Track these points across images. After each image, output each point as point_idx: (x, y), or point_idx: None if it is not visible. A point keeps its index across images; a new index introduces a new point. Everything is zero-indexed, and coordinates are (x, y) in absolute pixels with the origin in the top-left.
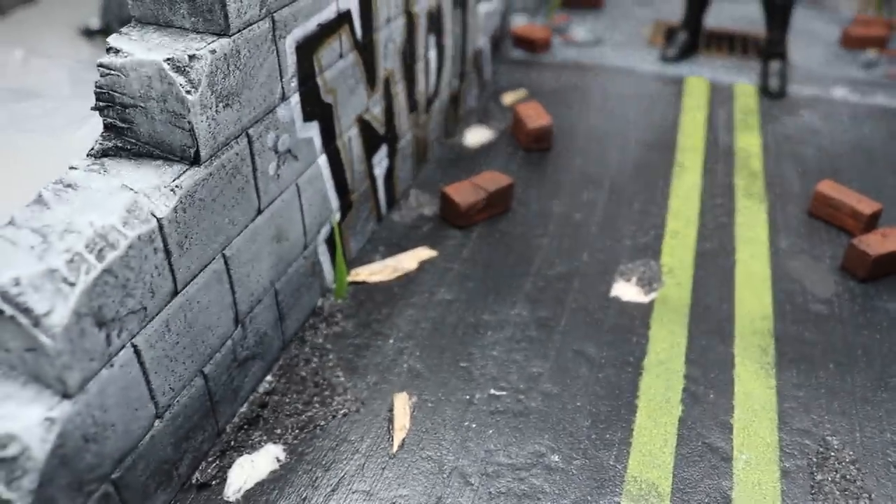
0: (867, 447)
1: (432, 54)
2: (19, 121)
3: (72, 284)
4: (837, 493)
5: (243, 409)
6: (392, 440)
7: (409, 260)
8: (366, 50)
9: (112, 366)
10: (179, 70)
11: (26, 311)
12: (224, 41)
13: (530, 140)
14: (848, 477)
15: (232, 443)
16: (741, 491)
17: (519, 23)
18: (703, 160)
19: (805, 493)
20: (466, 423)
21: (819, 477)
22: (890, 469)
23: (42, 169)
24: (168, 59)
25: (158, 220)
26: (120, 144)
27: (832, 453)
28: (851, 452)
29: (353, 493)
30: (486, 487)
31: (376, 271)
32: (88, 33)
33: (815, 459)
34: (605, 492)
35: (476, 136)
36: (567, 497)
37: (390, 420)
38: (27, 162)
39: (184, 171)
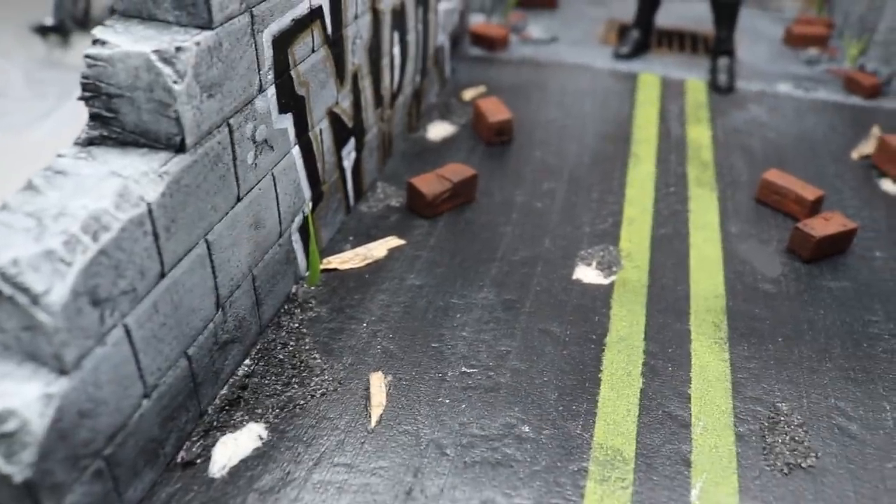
0: (813, 411)
1: (396, 51)
2: None
3: (69, 264)
4: (787, 452)
5: (224, 391)
6: (370, 416)
7: (379, 248)
8: (335, 45)
9: (105, 344)
10: (166, 61)
11: (25, 290)
12: (208, 34)
13: (491, 133)
14: (796, 438)
15: (214, 423)
16: (699, 454)
17: (476, 21)
18: (656, 152)
19: (758, 454)
20: (440, 399)
21: (770, 439)
22: (834, 430)
23: (5, 168)
24: (156, 51)
25: (148, 204)
26: (105, 133)
27: (782, 418)
28: (799, 417)
29: (335, 465)
30: (461, 457)
31: (347, 259)
32: (42, 31)
33: (766, 424)
34: (574, 458)
35: (438, 130)
36: (538, 464)
37: (367, 398)
38: None
39: (170, 159)
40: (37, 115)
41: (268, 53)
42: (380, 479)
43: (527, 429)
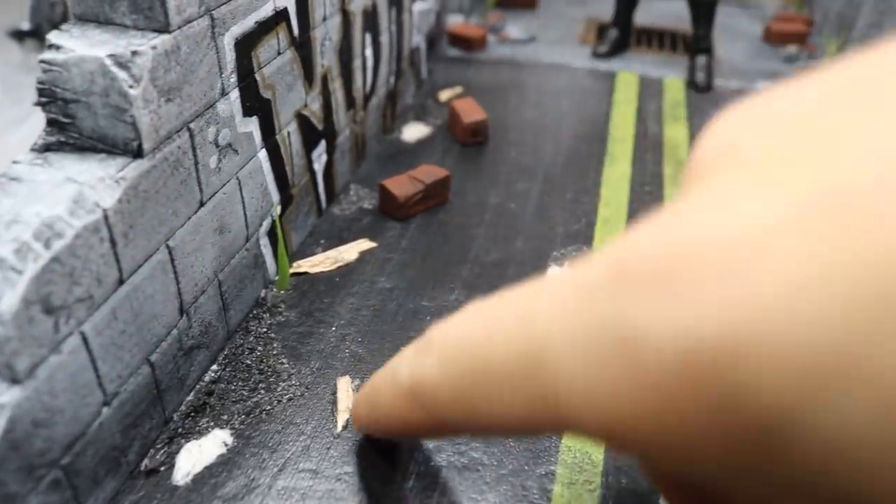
0: None
1: (369, 52)
2: None
3: (19, 272)
4: None
5: (190, 397)
6: (336, 421)
7: (350, 251)
8: (303, 47)
9: (60, 352)
10: (122, 65)
11: None
12: (165, 37)
13: (467, 134)
14: None
15: (179, 430)
16: None
17: (454, 22)
18: (633, 151)
19: None
20: None
21: None
22: None
23: None
24: (110, 55)
25: (104, 210)
26: (63, 139)
27: None
28: None
29: (300, 472)
30: (428, 461)
31: (317, 262)
32: (18, 35)
33: None
34: (542, 461)
35: (413, 131)
36: (505, 467)
37: (334, 403)
38: None
39: (127, 164)
40: (13, 120)
41: (230, 56)
42: (345, 484)
43: None
